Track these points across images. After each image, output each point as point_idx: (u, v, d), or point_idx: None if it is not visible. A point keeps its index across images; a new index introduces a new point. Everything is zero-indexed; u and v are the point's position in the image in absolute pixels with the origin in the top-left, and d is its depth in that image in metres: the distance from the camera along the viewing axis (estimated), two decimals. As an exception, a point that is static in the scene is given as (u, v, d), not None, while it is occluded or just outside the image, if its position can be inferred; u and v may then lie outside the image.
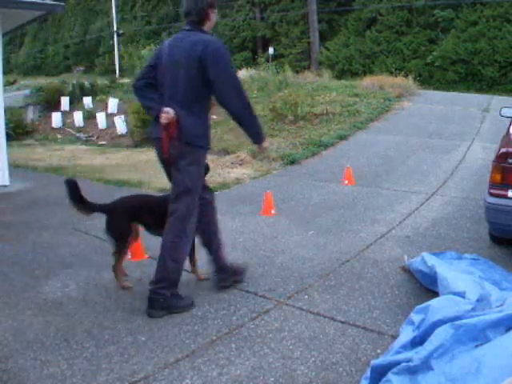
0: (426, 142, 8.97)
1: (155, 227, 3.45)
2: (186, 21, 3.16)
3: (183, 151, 3.04)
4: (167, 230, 3.15)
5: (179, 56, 3.03)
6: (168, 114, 2.98)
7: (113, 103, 14.93)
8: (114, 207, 3.49)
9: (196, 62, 2.97)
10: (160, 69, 3.15)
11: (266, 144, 3.31)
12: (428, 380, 2.05)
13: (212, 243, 3.45)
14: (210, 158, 9.49)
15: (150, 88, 3.21)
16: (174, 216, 3.13)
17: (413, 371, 2.12)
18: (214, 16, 3.16)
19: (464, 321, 2.29)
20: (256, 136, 3.20)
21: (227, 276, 3.49)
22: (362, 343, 2.79)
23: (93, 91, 17.39)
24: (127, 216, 3.42)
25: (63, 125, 15.11)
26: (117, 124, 12.89)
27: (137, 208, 3.49)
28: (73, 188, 3.36)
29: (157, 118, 3.05)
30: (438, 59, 21.57)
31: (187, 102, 3.05)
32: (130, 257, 4.16)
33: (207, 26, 3.14)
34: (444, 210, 5.40)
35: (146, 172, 7.97)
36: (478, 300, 2.57)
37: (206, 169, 3.44)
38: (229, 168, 7.94)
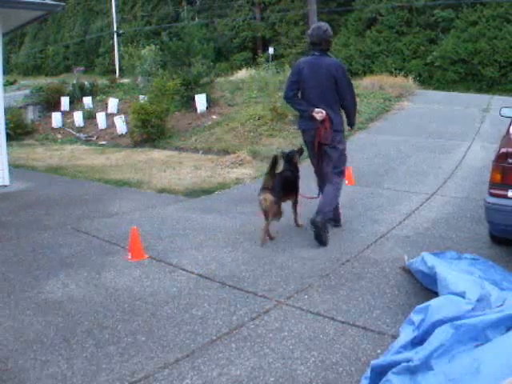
0: (426, 142, 8.97)
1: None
2: (313, 47, 4.54)
3: (334, 136, 4.55)
4: (330, 187, 4.64)
5: (321, 74, 4.48)
6: (322, 113, 4.44)
7: (113, 103, 14.92)
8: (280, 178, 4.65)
9: (333, 78, 4.46)
10: (302, 82, 4.56)
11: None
12: (428, 380, 2.05)
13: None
14: (209, 158, 9.48)
15: (296, 96, 4.65)
16: (336, 179, 4.68)
17: (413, 371, 2.12)
18: None
19: (464, 321, 2.29)
20: (352, 122, 4.83)
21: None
22: (362, 343, 2.79)
23: (93, 91, 17.36)
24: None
25: (63, 125, 15.10)
26: (117, 124, 12.88)
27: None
28: (274, 163, 4.53)
29: (308, 116, 4.51)
30: (437, 59, 21.55)
31: (331, 104, 4.52)
32: (130, 257, 4.17)
33: (329, 51, 4.64)
34: (444, 210, 5.40)
35: (145, 172, 7.98)
36: (478, 300, 2.57)
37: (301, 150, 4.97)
38: (229, 168, 7.94)
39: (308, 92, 4.56)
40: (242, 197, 6.18)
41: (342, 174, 4.80)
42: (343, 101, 4.58)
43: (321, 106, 4.47)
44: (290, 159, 4.85)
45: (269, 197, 4.44)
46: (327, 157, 4.66)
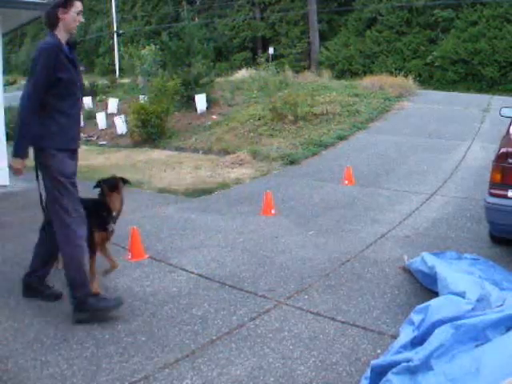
0: (426, 142, 8.97)
1: None
2: None
3: (38, 154, 3.07)
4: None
5: None
6: None
7: (113, 103, 14.92)
8: None
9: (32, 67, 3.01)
10: None
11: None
12: (428, 380, 2.05)
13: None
14: (209, 158, 9.51)
15: None
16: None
17: (413, 371, 2.12)
18: (67, 16, 3.06)
19: (464, 321, 2.29)
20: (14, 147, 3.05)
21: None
22: (362, 343, 2.79)
23: (93, 91, 17.37)
24: None
25: (63, 125, 15.09)
26: (117, 124, 12.88)
27: None
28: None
29: None
30: (437, 59, 21.56)
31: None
32: (130, 257, 4.17)
33: (60, 28, 3.07)
34: (444, 210, 5.40)
35: (145, 172, 7.98)
36: (478, 300, 2.57)
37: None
38: (229, 168, 7.94)
39: None
40: (241, 197, 6.18)
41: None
42: None
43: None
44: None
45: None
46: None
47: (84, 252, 3.09)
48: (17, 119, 3.00)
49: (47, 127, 3.03)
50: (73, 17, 3.08)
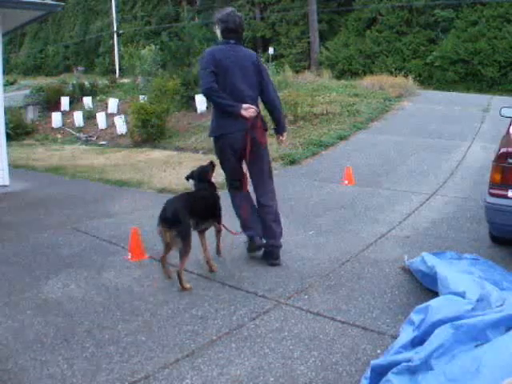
0: (426, 142, 8.97)
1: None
2: (228, 35, 3.88)
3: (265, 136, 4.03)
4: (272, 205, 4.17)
5: (246, 66, 3.87)
6: (253, 109, 3.76)
7: (113, 103, 14.93)
8: None
9: (258, 69, 3.91)
10: (222, 74, 3.77)
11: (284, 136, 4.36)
12: (428, 380, 2.05)
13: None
14: (210, 158, 9.55)
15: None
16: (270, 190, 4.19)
17: (413, 371, 2.12)
18: None
19: (464, 321, 2.29)
20: (283, 124, 4.30)
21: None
22: (362, 343, 2.79)
23: (93, 91, 17.37)
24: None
25: (63, 125, 15.10)
26: (117, 124, 12.88)
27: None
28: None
29: (235, 114, 3.74)
30: (437, 59, 21.55)
31: (256, 100, 3.94)
32: (130, 257, 4.17)
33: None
34: (444, 209, 5.40)
35: (145, 172, 7.98)
36: (478, 300, 2.57)
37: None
38: (229, 168, 7.94)
39: (234, 86, 3.81)
40: (242, 197, 6.17)
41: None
42: (269, 96, 3.97)
43: (248, 102, 3.80)
44: (203, 177, 4.09)
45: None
46: (260, 163, 4.05)
47: None
48: (277, 109, 4.05)
49: None
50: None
